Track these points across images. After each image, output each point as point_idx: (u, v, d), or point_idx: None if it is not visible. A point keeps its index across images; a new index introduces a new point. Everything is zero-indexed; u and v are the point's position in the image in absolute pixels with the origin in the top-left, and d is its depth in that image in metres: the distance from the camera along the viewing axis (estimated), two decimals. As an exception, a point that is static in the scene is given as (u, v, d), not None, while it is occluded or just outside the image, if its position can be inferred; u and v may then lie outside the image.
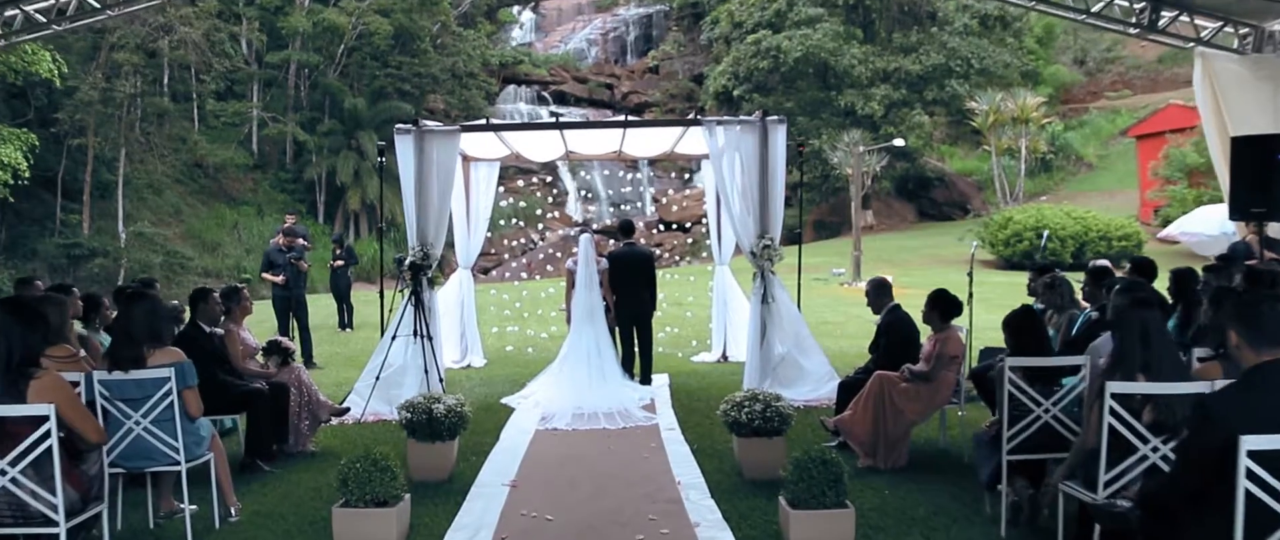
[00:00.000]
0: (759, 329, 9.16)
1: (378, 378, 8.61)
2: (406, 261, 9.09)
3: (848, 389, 7.04)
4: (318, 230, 35.46)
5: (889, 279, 7.36)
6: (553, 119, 10.00)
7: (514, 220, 29.39)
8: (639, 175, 40.70)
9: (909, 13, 41.00)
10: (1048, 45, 50.10)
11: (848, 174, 32.03)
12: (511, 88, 48.39)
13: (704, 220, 12.48)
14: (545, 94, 46.96)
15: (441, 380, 8.72)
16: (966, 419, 7.23)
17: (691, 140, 11.33)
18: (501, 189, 12.98)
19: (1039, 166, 40.77)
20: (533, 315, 14.80)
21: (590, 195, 40.47)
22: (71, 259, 31.63)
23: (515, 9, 56.02)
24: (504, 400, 9.45)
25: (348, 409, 7.86)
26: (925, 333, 7.09)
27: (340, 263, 15.84)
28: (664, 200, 39.03)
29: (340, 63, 41.59)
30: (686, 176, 42.87)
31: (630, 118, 10.01)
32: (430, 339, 8.66)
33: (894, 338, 6.97)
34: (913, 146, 37.07)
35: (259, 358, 7.38)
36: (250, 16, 40.68)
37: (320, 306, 17.85)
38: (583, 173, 40.19)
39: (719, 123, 9.28)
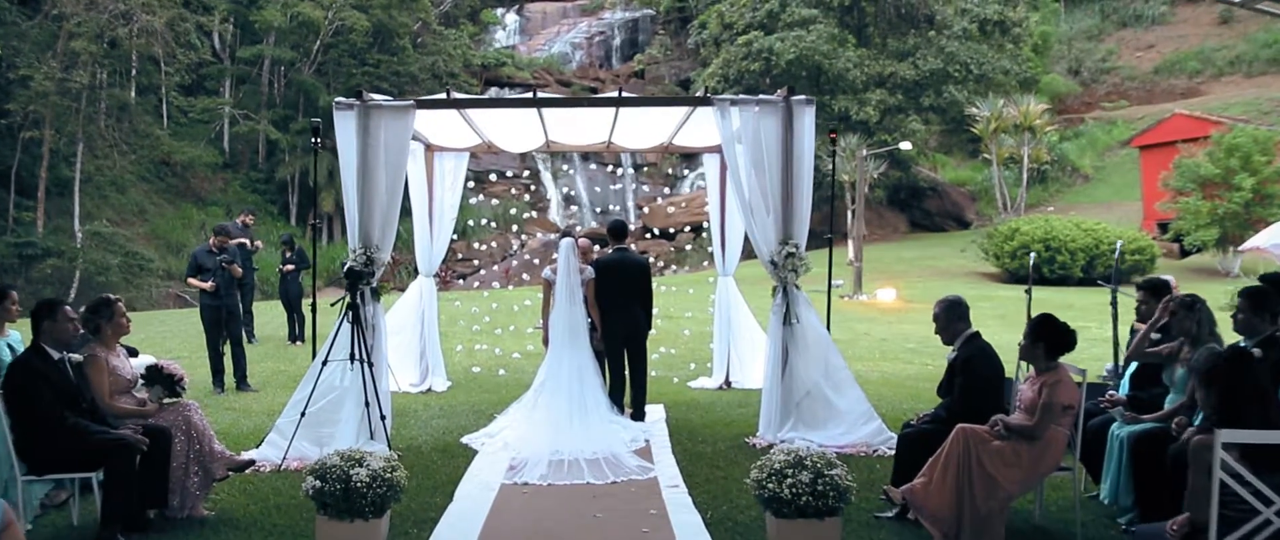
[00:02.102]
0: (779, 356, 7.45)
1: (303, 413, 6.83)
2: (346, 267, 7.34)
3: (913, 446, 5.35)
4: (274, 229, 33.60)
5: (963, 299, 5.65)
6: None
7: (485, 221, 27.61)
8: (624, 174, 39.21)
9: (905, 16, 39.58)
10: (1043, 54, 49.00)
11: (843, 181, 30.45)
12: (494, 90, 46.94)
13: (705, 226, 10.70)
14: (528, 97, 45.48)
15: (384, 419, 6.95)
16: (1065, 480, 5.56)
17: (694, 129, 9.67)
18: (471, 184, 11.31)
19: (1034, 178, 39.45)
20: (506, 330, 13.06)
21: (572, 192, 38.80)
22: (23, 259, 29.91)
23: (499, 11, 54.56)
24: (465, 439, 7.70)
25: (251, 462, 6.03)
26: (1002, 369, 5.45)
27: (290, 267, 14.04)
28: (660, 200, 37.40)
29: (316, 59, 39.96)
30: (674, 182, 41.35)
31: (624, 95, 8.25)
32: (371, 364, 6.90)
33: (974, 378, 5.28)
34: (907, 155, 35.68)
35: (139, 390, 5.61)
36: (221, 10, 38.90)
37: (276, 315, 16.06)
38: (567, 169, 38.60)
39: (733, 102, 7.58)
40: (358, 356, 6.83)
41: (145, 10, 32.38)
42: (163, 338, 14.62)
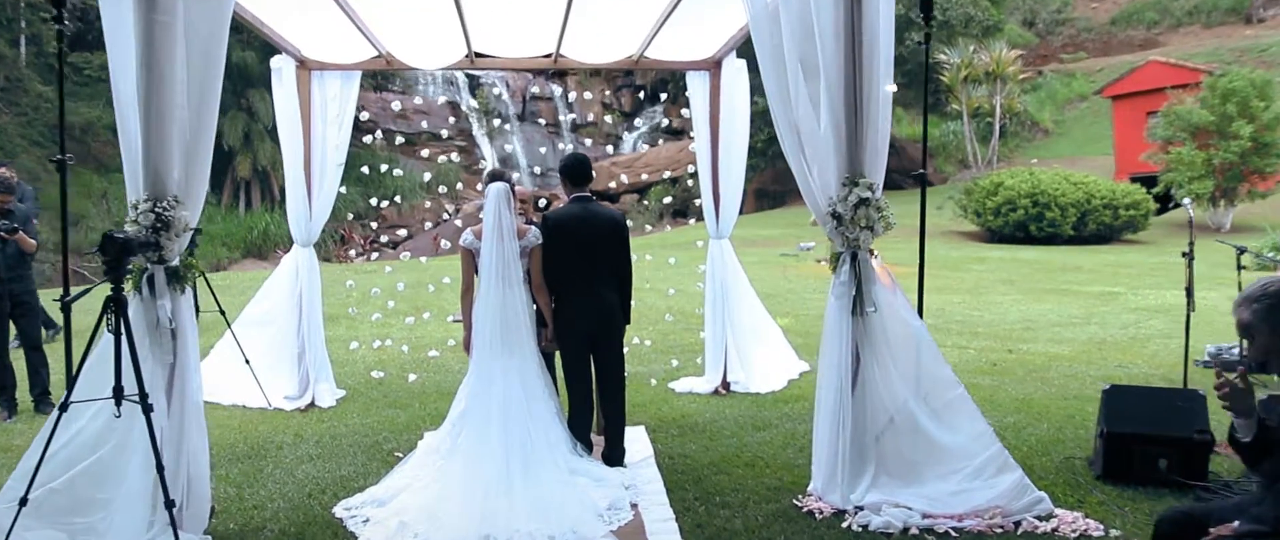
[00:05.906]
0: (847, 364, 4.64)
1: (25, 498, 3.83)
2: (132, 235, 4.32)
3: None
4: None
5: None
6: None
7: (406, 173, 24.45)
8: (564, 124, 36.51)
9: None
10: (998, 4, 47.12)
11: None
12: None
13: (695, 182, 7.83)
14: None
15: (173, 506, 3.96)
16: None
17: (672, 38, 6.86)
18: (383, 135, 8.37)
19: (991, 132, 37.39)
20: (420, 317, 10.06)
21: (509, 149, 35.81)
22: (-119, 236, 26.03)
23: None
24: (340, 510, 4.76)
25: None
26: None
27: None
28: (640, 147, 34.75)
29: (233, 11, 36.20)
30: (615, 143, 38.53)
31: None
32: (150, 409, 3.94)
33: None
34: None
35: None
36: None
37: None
38: (501, 122, 35.73)
39: (766, -42, 4.69)
40: (128, 394, 3.85)
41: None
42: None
